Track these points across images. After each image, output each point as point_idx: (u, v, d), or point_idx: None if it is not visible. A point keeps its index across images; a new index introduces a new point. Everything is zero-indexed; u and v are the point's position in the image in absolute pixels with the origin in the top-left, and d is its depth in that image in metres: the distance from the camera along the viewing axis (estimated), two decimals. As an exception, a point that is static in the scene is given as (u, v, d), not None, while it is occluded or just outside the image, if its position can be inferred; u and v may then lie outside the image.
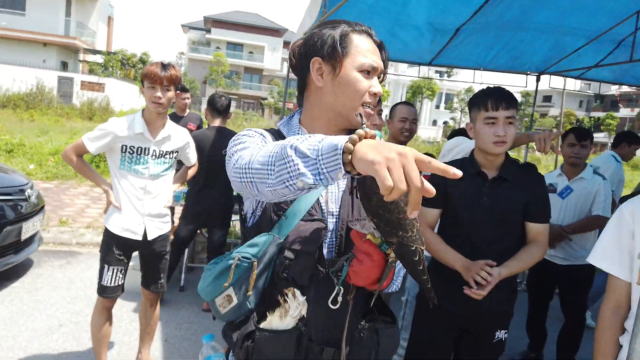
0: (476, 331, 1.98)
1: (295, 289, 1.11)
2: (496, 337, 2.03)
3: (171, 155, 2.61)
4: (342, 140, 0.80)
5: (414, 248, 1.06)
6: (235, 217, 4.23)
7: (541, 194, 1.93)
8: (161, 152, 2.55)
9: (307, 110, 1.20)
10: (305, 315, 1.10)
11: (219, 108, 3.71)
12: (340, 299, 1.12)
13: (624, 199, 3.71)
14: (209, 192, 3.70)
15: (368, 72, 1.13)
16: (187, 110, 4.95)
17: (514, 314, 2.03)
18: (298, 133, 1.18)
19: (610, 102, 49.11)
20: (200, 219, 3.82)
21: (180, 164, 2.89)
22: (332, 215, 1.16)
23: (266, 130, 1.21)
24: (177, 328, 3.49)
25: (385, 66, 1.19)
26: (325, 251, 1.14)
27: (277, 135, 1.21)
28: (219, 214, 3.81)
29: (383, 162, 0.72)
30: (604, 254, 1.45)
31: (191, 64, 45.37)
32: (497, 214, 1.87)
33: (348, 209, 1.17)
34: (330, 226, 1.15)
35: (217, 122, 3.74)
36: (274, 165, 0.87)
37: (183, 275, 4.19)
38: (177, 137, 2.64)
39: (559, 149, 2.53)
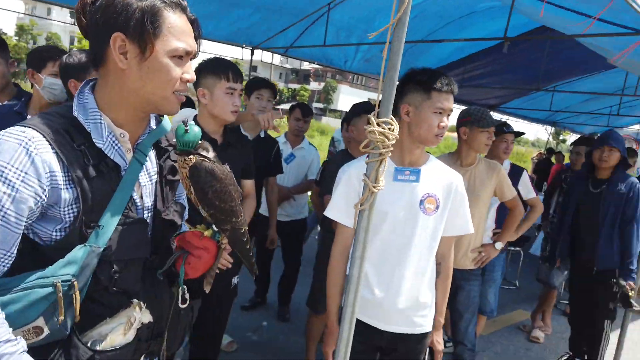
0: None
1: (140, 302, 1.05)
2: (232, 283, 2.34)
3: None
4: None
5: (242, 230, 1.17)
6: None
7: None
8: None
9: (105, 92, 1.03)
10: (144, 322, 1.06)
11: None
12: (187, 296, 1.15)
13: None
14: None
15: (181, 57, 1.01)
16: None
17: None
18: (100, 122, 1.02)
19: (304, 76, 57.03)
20: None
21: None
22: (148, 209, 1.11)
23: (47, 127, 0.96)
24: None
25: (198, 45, 1.08)
26: None
27: (75, 130, 0.99)
28: None
29: None
30: (334, 207, 1.79)
31: None
32: None
33: (159, 200, 1.13)
34: (148, 222, 1.10)
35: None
36: None
37: None
38: None
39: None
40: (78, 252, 0.96)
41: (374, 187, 1.35)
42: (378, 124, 1.31)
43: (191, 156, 1.09)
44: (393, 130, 1.30)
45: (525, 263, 5.72)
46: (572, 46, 4.35)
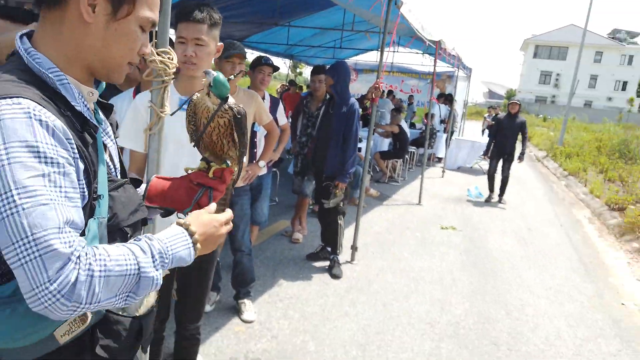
0: None
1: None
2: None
3: None
4: (189, 254, 0.96)
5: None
6: None
7: None
8: None
9: (56, 46, 0.89)
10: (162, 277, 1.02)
11: None
12: None
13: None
14: None
15: (144, 28, 0.95)
16: None
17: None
18: (67, 82, 0.89)
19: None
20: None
21: None
22: (117, 170, 1.09)
23: (31, 94, 0.81)
24: None
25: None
26: None
27: (50, 94, 0.85)
28: None
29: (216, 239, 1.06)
30: (125, 136, 1.85)
31: None
32: None
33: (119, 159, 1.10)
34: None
35: None
36: (129, 287, 0.84)
37: None
38: None
39: None
40: (93, 226, 0.90)
41: (160, 112, 1.52)
42: (158, 54, 1.46)
43: (226, 105, 1.16)
44: (172, 59, 1.47)
45: (282, 181, 6.57)
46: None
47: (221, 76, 1.13)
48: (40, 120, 0.79)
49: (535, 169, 13.21)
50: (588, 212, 8.15)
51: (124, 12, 0.90)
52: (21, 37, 0.90)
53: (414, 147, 10.36)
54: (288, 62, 12.78)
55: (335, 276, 4.15)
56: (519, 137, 7.86)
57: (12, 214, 0.74)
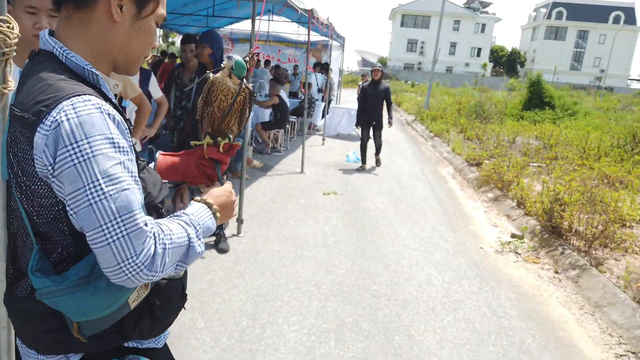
0: None
1: None
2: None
3: None
4: (213, 223, 1.08)
5: None
6: None
7: None
8: None
9: (85, 43, 0.98)
10: None
11: None
12: None
13: None
14: None
15: (158, 24, 1.06)
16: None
17: None
18: (99, 76, 0.98)
19: None
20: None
21: None
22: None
23: (88, 90, 0.92)
24: None
25: None
26: None
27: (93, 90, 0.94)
28: None
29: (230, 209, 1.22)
30: None
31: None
32: None
33: None
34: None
35: None
36: (182, 257, 0.96)
37: None
38: None
39: None
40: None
41: (3, 88, 1.36)
42: (-7, 24, 1.29)
43: (243, 84, 1.33)
44: (13, 29, 1.32)
45: (158, 158, 6.28)
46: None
47: (241, 59, 1.30)
48: (109, 114, 0.89)
49: (405, 132, 14.22)
50: (451, 169, 9.03)
51: (147, 11, 1.01)
52: (46, 39, 0.97)
53: (294, 117, 10.50)
54: (159, 31, 12.03)
55: (223, 250, 4.13)
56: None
57: (100, 200, 0.84)
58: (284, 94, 9.08)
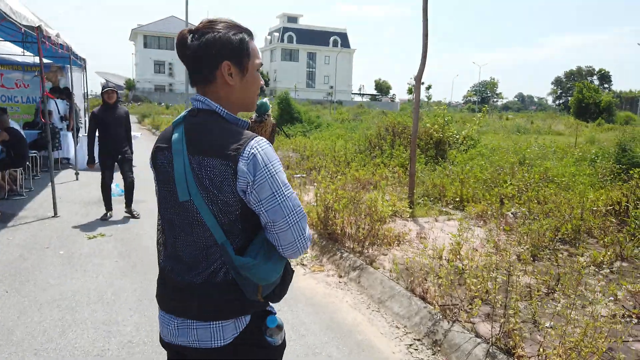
0: None
1: None
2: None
3: None
4: None
5: None
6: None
7: None
8: None
9: (221, 102, 1.39)
10: None
11: None
12: None
13: None
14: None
15: (258, 69, 1.46)
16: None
17: None
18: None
19: None
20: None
21: None
22: None
23: None
24: None
25: None
26: None
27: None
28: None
29: None
30: None
31: None
32: None
33: None
34: None
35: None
36: None
37: None
38: None
39: None
40: None
41: None
42: None
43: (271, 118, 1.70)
44: None
45: None
46: None
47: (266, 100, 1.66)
48: (270, 145, 1.36)
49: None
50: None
51: (246, 68, 1.41)
52: (203, 101, 1.39)
53: (35, 151, 8.88)
54: None
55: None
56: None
57: (284, 200, 1.31)
58: (16, 125, 7.56)
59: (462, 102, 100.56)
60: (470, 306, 3.47)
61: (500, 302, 3.45)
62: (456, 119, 18.09)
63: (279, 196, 1.29)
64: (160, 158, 1.41)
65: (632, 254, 4.84)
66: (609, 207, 5.99)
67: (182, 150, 1.33)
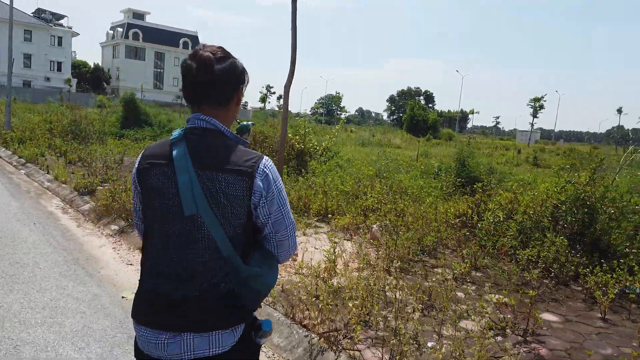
0: None
1: None
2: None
3: None
4: None
5: None
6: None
7: None
8: None
9: (226, 123, 1.52)
10: None
11: None
12: None
13: None
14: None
15: None
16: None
17: None
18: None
19: None
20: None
21: None
22: None
23: None
24: None
25: None
26: None
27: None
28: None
29: None
30: None
31: None
32: None
33: None
34: None
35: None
36: None
37: None
38: None
39: None
40: None
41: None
42: None
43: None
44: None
45: None
46: None
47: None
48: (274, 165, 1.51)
49: (-15, 160, 11.35)
50: (59, 201, 7.68)
51: (240, 98, 1.58)
52: (208, 121, 1.49)
53: None
54: None
55: None
56: None
57: (287, 213, 1.49)
58: None
59: (310, 113, 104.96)
60: (352, 333, 3.30)
61: (382, 324, 3.35)
62: (315, 130, 18.52)
63: (283, 209, 1.47)
64: (156, 174, 1.44)
65: (483, 264, 5.24)
66: (457, 219, 6.48)
67: (186, 166, 1.39)
